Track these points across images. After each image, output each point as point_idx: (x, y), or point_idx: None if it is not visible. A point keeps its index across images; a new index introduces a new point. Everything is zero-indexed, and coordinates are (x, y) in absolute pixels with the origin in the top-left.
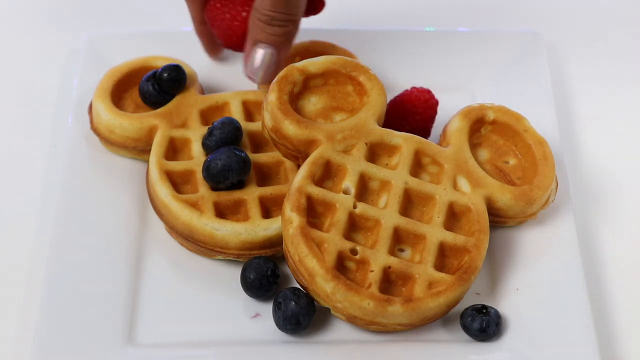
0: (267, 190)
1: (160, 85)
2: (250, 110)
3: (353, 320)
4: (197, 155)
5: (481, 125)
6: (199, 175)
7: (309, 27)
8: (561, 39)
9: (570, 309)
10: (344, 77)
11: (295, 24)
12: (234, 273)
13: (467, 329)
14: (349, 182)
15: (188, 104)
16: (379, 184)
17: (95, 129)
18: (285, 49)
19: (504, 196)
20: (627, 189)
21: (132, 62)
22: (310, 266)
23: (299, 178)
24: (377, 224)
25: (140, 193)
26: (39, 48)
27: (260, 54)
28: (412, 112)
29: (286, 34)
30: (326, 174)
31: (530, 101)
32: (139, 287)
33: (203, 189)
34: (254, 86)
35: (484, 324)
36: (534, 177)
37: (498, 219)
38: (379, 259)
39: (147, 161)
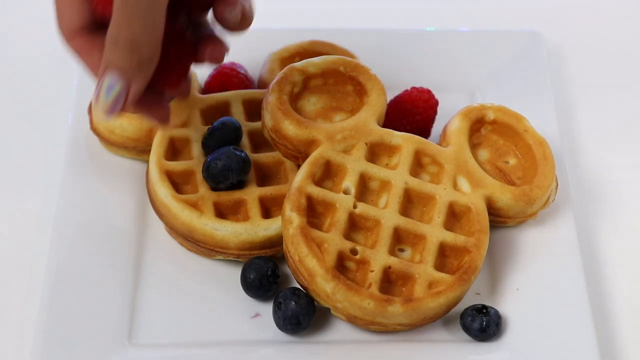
0: (267, 190)
1: None
2: (250, 110)
3: (353, 320)
4: (197, 156)
5: (481, 125)
6: (199, 175)
7: (309, 27)
8: (561, 39)
9: (570, 309)
10: (343, 77)
11: (141, 53)
12: (234, 273)
13: (467, 329)
14: (349, 182)
15: (188, 104)
16: (379, 184)
17: (95, 129)
18: (137, 83)
19: (504, 196)
20: (627, 189)
21: None
22: (310, 266)
23: (299, 178)
24: (377, 224)
25: (140, 193)
26: (39, 48)
27: (107, 81)
28: (412, 112)
29: (133, 66)
30: (326, 174)
31: (530, 101)
32: (138, 287)
33: (203, 189)
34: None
35: (484, 324)
36: (534, 177)
37: (498, 219)
38: (379, 259)
39: (147, 161)
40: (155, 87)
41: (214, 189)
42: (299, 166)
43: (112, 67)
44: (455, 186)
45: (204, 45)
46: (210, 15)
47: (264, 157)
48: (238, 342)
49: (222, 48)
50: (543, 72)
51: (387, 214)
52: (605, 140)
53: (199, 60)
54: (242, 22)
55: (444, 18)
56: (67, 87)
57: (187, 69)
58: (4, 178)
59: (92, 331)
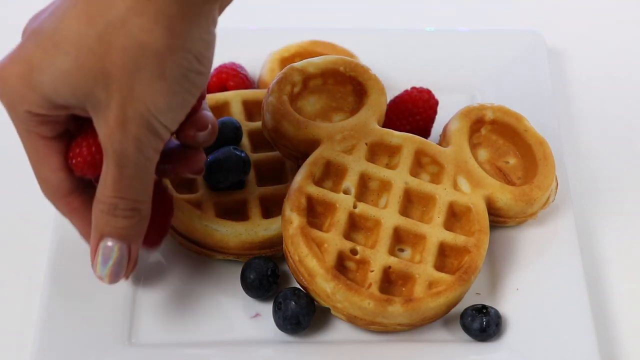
0: (267, 190)
1: None
2: (250, 110)
3: (353, 320)
4: None
5: (481, 125)
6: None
7: (309, 27)
8: (561, 39)
9: (570, 309)
10: (343, 77)
11: (141, 213)
12: (234, 273)
13: (467, 329)
14: (349, 182)
15: None
16: (379, 184)
17: None
18: (137, 243)
19: (504, 196)
20: (627, 188)
21: None
22: (310, 266)
23: (299, 178)
24: (377, 224)
25: None
26: None
27: (107, 250)
28: (412, 112)
29: (134, 226)
30: (326, 174)
31: (530, 101)
32: (138, 287)
33: (203, 189)
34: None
35: (484, 324)
36: (534, 177)
37: (498, 219)
38: (379, 259)
39: None
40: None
41: (214, 189)
42: (299, 166)
43: (111, 234)
44: (455, 186)
45: (180, 161)
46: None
47: (264, 157)
48: (238, 342)
49: (201, 157)
50: (543, 72)
51: (387, 214)
52: (605, 140)
53: (178, 174)
54: (210, 138)
55: (444, 18)
56: None
57: (168, 222)
58: (4, 178)
59: (92, 331)
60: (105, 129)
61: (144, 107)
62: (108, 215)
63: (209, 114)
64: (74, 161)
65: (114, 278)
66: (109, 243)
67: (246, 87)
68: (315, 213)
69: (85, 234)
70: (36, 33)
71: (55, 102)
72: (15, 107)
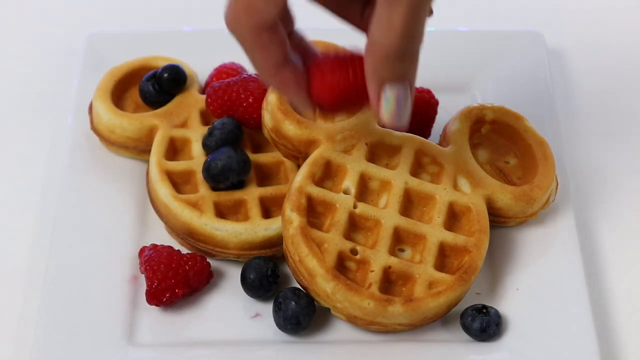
0: (267, 190)
1: (160, 85)
2: None
3: (353, 320)
4: (197, 155)
5: (481, 125)
6: (199, 175)
7: (309, 27)
8: (561, 39)
9: (570, 309)
10: None
11: (419, 55)
12: (234, 273)
13: (467, 329)
14: (349, 182)
15: (188, 104)
16: (379, 184)
17: (95, 129)
18: (414, 83)
19: (504, 196)
20: (627, 188)
21: (132, 62)
22: (310, 266)
23: (299, 178)
24: (377, 224)
25: (140, 193)
26: (39, 48)
27: (396, 95)
28: (412, 112)
29: (413, 66)
30: (326, 174)
31: (530, 101)
32: (139, 287)
33: (203, 189)
34: None
35: (484, 324)
36: (534, 177)
37: (498, 219)
38: (379, 259)
39: (147, 161)
40: None
41: (214, 189)
42: (299, 166)
43: (395, 79)
44: (455, 186)
45: None
46: None
47: (264, 157)
48: (238, 342)
49: None
50: (543, 72)
51: (387, 214)
52: (605, 140)
53: None
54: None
55: (444, 18)
56: (67, 87)
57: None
58: (4, 178)
59: (92, 331)
60: None
61: None
62: (394, 61)
63: None
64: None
65: (404, 120)
66: (394, 89)
67: None
68: (315, 213)
69: (301, 100)
70: None
71: None
72: None
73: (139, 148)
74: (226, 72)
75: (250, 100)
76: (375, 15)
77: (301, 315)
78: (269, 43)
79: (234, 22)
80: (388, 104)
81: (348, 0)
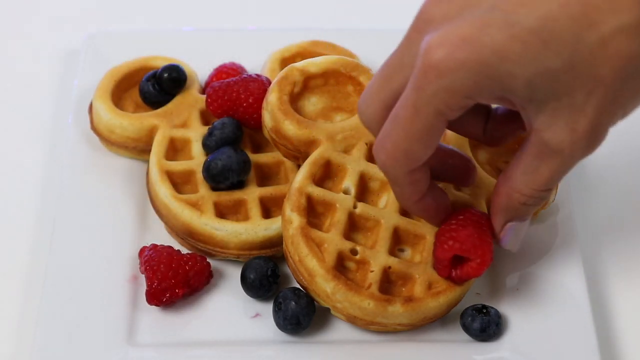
0: (267, 190)
1: (160, 85)
2: None
3: (353, 320)
4: (197, 155)
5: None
6: (199, 175)
7: (309, 27)
8: None
9: (570, 309)
10: (344, 77)
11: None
12: (234, 273)
13: (467, 329)
14: (349, 182)
15: (188, 104)
16: (379, 184)
17: (95, 129)
18: (529, 219)
19: None
20: (628, 188)
21: (132, 62)
22: (310, 266)
23: (299, 178)
24: (377, 224)
25: (140, 193)
26: (39, 48)
27: (517, 231)
28: None
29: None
30: (326, 174)
31: None
32: (139, 287)
33: (203, 189)
34: None
35: (484, 324)
36: None
37: None
38: (379, 259)
39: (147, 161)
40: None
41: (214, 189)
42: (299, 166)
43: (519, 219)
44: (455, 186)
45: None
46: None
47: (264, 157)
48: (238, 342)
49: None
50: None
51: (387, 214)
52: (606, 140)
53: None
54: None
55: None
56: (67, 87)
57: None
58: (3, 178)
59: (92, 331)
60: (565, 130)
61: (620, 115)
62: (526, 206)
63: None
64: None
65: (519, 245)
66: (515, 224)
67: None
68: (315, 213)
69: (436, 222)
70: (506, 24)
71: (504, 95)
72: (454, 89)
73: (139, 148)
74: (226, 72)
75: (250, 100)
76: (523, 164)
77: (301, 315)
78: (419, 180)
79: (390, 165)
80: (510, 237)
81: (469, 118)
